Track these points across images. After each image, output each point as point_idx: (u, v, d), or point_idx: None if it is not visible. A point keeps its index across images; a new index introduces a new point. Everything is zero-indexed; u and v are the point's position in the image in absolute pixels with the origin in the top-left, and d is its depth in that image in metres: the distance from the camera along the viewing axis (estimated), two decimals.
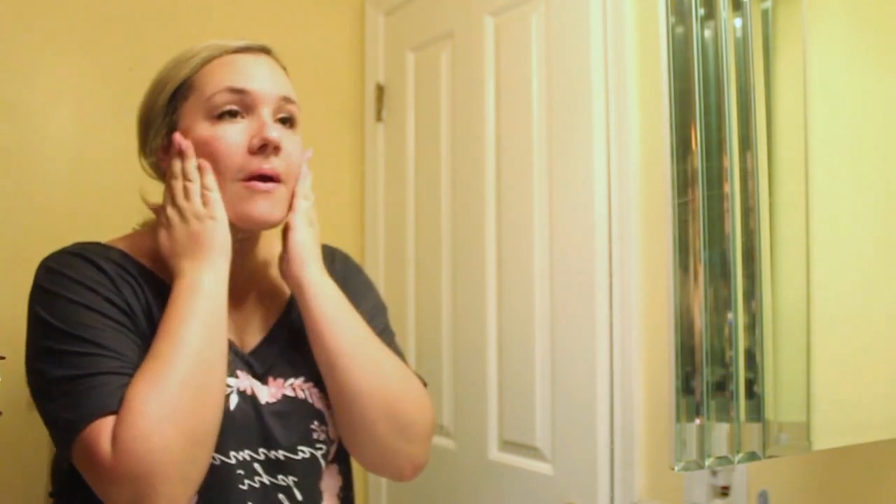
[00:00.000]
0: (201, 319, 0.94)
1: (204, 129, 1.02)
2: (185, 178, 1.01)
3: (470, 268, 1.73)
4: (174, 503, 0.87)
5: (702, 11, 0.83)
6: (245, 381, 1.04)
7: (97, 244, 1.05)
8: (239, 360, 1.05)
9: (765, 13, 0.88)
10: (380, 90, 2.04)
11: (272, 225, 1.05)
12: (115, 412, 0.88)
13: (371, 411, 1.04)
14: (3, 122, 1.63)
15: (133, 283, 1.01)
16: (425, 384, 1.16)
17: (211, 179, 1.00)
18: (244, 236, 1.07)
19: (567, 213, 1.51)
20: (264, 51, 1.09)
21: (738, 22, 0.86)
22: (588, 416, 1.44)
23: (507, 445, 1.63)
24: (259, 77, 1.04)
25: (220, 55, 1.05)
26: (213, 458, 0.96)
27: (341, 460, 1.13)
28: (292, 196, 1.07)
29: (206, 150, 1.01)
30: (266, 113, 1.03)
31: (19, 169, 1.64)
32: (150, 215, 1.12)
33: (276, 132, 1.01)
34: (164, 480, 0.85)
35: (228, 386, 1.01)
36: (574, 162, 1.49)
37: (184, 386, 0.89)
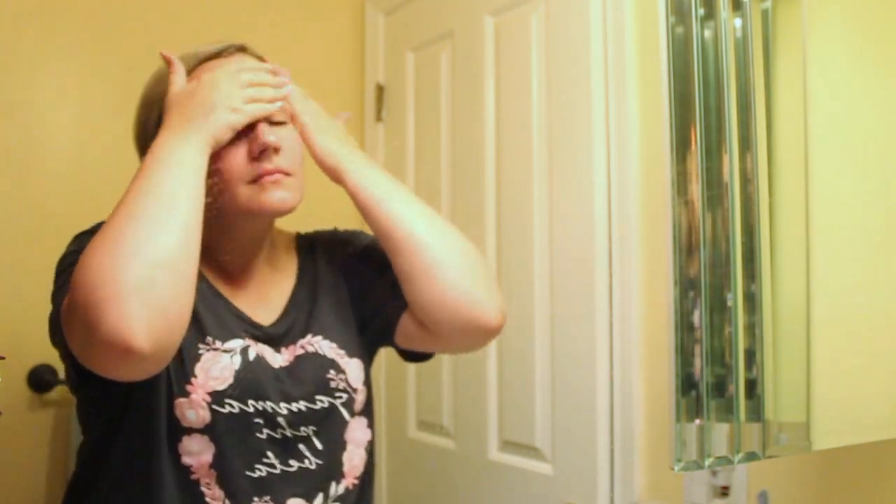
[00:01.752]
0: (165, 165, 0.92)
1: None
2: (260, 80, 1.01)
3: None
4: (126, 322, 0.82)
5: (702, 11, 0.83)
6: (254, 348, 1.04)
7: None
8: (254, 329, 1.05)
9: (765, 13, 0.88)
10: (380, 90, 2.04)
11: (289, 209, 1.04)
12: None
13: (444, 257, 1.04)
14: (3, 122, 1.63)
15: None
16: None
17: (275, 107, 1.02)
18: (263, 226, 1.08)
19: (567, 213, 1.51)
20: (240, 49, 1.08)
21: (738, 22, 0.86)
22: (588, 416, 1.44)
23: (507, 445, 1.63)
24: None
25: (196, 66, 1.05)
26: (233, 405, 0.97)
27: (369, 413, 1.13)
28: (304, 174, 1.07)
29: (209, 172, 1.01)
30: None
31: (19, 169, 1.64)
32: None
33: (272, 136, 1.01)
34: (108, 299, 0.82)
35: (244, 342, 1.02)
36: (574, 162, 1.49)
37: (134, 218, 0.87)
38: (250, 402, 1.00)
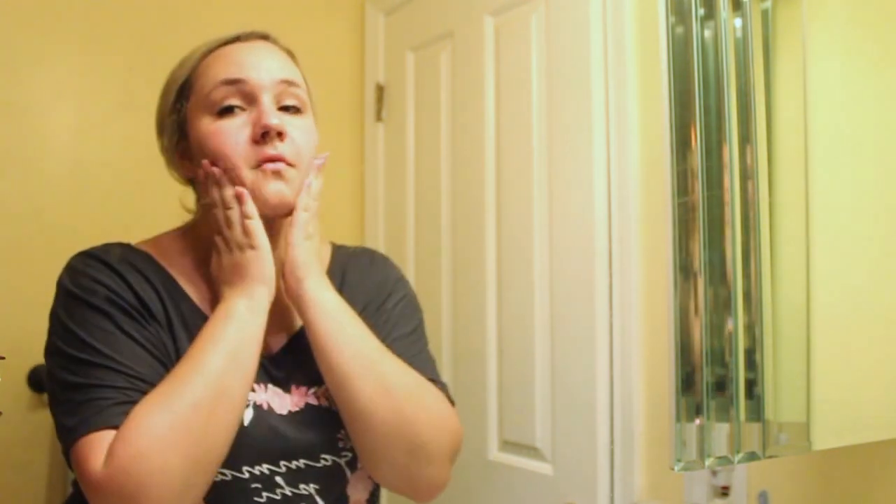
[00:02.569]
0: (227, 345, 0.92)
1: (207, 125, 1.00)
2: (225, 206, 0.99)
3: (470, 268, 1.73)
4: None
5: (702, 11, 0.83)
6: (262, 395, 1.01)
7: (124, 246, 1.04)
8: (260, 366, 1.01)
9: (765, 13, 0.88)
10: (380, 90, 2.04)
11: (286, 207, 1.01)
12: (113, 427, 0.86)
13: (381, 435, 0.99)
14: (3, 122, 1.63)
15: (154, 293, 1.00)
16: (451, 398, 1.09)
17: (250, 207, 0.98)
18: (267, 224, 1.04)
19: (567, 213, 1.51)
20: (262, 36, 1.06)
21: (738, 22, 0.86)
22: (588, 416, 1.44)
23: (507, 445, 1.63)
24: (254, 64, 1.01)
25: (216, 48, 1.04)
26: (224, 473, 0.94)
27: None
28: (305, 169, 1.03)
29: (210, 147, 0.99)
30: (266, 100, 1.00)
31: (19, 169, 1.64)
32: (186, 216, 1.11)
33: (276, 118, 0.98)
34: (156, 502, 0.83)
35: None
36: (574, 162, 1.49)
37: (195, 409, 0.87)
38: (245, 468, 0.97)
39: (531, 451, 1.56)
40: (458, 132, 1.78)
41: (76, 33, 1.71)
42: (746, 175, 0.85)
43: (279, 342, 1.06)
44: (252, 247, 0.98)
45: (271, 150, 0.98)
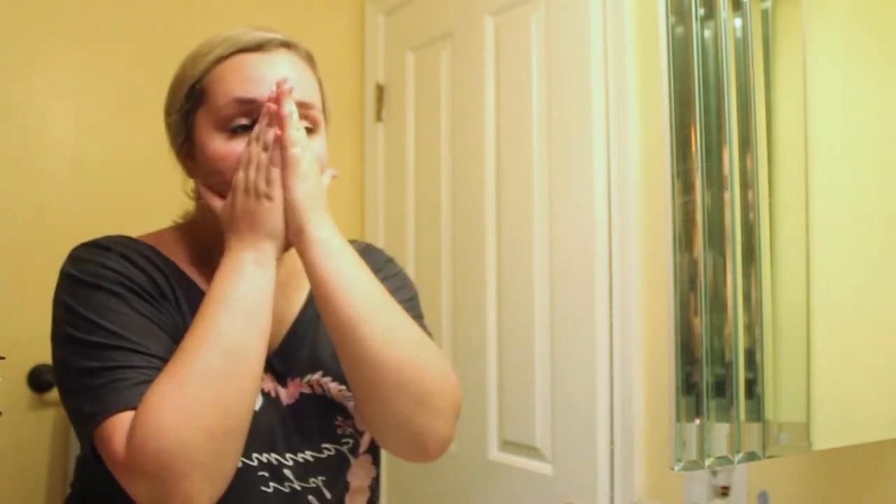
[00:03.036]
0: (237, 305, 0.89)
1: (218, 144, 0.97)
2: (264, 145, 0.95)
3: (470, 268, 1.73)
4: (196, 498, 0.84)
5: (702, 11, 0.83)
6: (269, 383, 1.00)
7: (126, 237, 1.02)
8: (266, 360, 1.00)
9: (765, 13, 0.88)
10: (380, 90, 2.04)
11: None
12: (134, 408, 0.86)
13: (384, 379, 0.94)
14: (3, 122, 1.63)
15: (163, 276, 0.98)
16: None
17: (279, 156, 0.94)
18: None
19: (567, 213, 1.51)
20: (284, 45, 1.02)
21: (738, 22, 0.86)
22: (588, 416, 1.44)
23: (507, 445, 1.63)
24: (271, 81, 0.96)
25: (233, 54, 0.99)
26: None
27: (374, 451, 1.09)
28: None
29: (221, 167, 0.97)
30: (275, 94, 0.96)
31: (19, 169, 1.64)
32: (189, 206, 1.09)
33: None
34: (181, 477, 0.82)
35: None
36: (574, 162, 1.49)
37: (207, 376, 0.85)
38: (254, 455, 0.96)
39: (531, 451, 1.56)
40: (458, 132, 1.78)
41: (76, 33, 1.71)
42: (746, 175, 0.85)
43: (277, 338, 1.05)
44: (269, 197, 0.94)
45: None
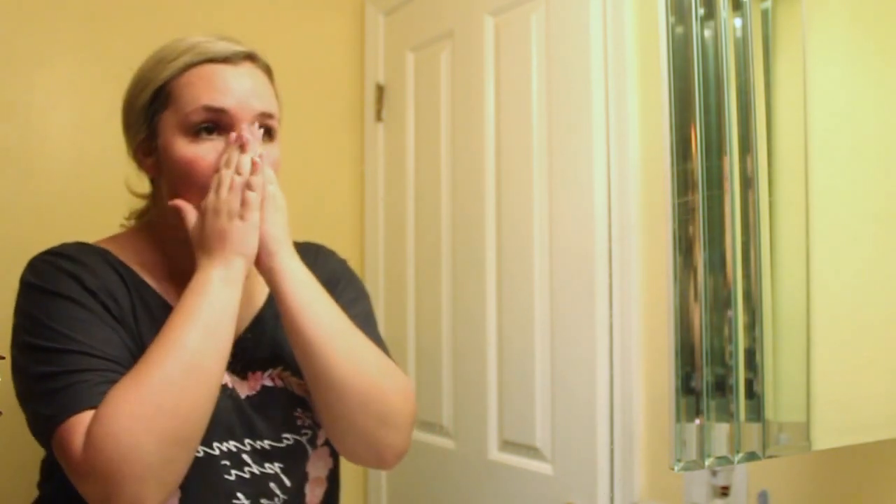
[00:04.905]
0: (202, 320, 0.93)
1: (183, 147, 1.02)
2: (237, 170, 1.00)
3: (470, 268, 1.73)
4: (144, 502, 0.86)
5: (702, 11, 0.83)
6: (226, 377, 1.04)
7: (82, 244, 1.06)
8: None
9: (765, 13, 0.88)
10: (380, 90, 2.04)
11: None
12: (93, 408, 0.88)
13: (350, 400, 1.02)
14: (3, 122, 1.63)
15: (119, 281, 1.02)
16: None
17: (259, 181, 1.00)
18: None
19: (567, 213, 1.51)
20: (249, 57, 1.07)
21: (738, 22, 0.86)
22: (588, 416, 1.44)
23: (507, 445, 1.63)
24: (238, 93, 1.03)
25: (201, 63, 1.03)
26: (197, 450, 0.97)
27: (331, 443, 1.13)
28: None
29: (186, 169, 1.02)
30: (244, 129, 1.03)
31: (19, 169, 1.64)
32: (136, 205, 1.13)
33: (257, 149, 1.02)
34: (132, 480, 0.85)
35: None
36: (574, 162, 1.49)
37: (168, 386, 0.88)
38: (215, 444, 1.00)
39: (531, 451, 1.56)
40: (458, 132, 1.78)
41: (76, 33, 1.71)
42: (746, 175, 0.85)
43: (238, 332, 1.08)
44: (243, 218, 0.98)
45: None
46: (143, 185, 1.15)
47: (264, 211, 1.02)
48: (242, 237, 0.98)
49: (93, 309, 0.96)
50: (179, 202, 1.03)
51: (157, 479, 0.87)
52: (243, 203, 0.98)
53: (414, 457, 1.88)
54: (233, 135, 1.01)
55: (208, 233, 0.99)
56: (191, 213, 1.02)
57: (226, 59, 1.04)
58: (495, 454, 1.65)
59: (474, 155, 1.72)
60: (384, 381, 1.05)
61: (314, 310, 1.02)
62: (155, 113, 1.05)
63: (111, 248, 1.07)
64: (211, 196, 1.00)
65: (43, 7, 1.67)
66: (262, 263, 1.03)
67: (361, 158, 2.09)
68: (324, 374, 1.01)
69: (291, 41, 1.97)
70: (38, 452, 1.47)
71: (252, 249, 0.99)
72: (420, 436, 1.87)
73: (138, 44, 1.75)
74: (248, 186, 0.99)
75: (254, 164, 1.00)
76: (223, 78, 1.03)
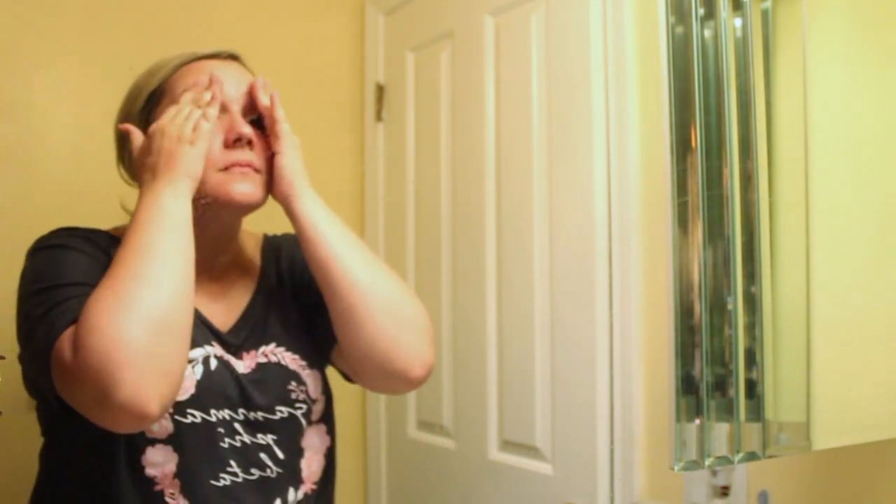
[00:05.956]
0: (161, 224, 0.95)
1: None
2: (195, 103, 1.02)
3: (470, 268, 1.73)
4: (142, 390, 0.85)
5: (702, 11, 0.83)
6: (220, 349, 1.05)
7: (83, 227, 1.08)
8: (214, 336, 1.06)
9: (765, 13, 0.88)
10: (380, 90, 2.04)
11: (254, 204, 1.06)
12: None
13: (373, 300, 1.04)
14: (3, 122, 1.63)
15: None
16: None
17: (214, 112, 1.02)
18: (230, 223, 1.11)
19: (567, 213, 1.51)
20: (232, 57, 1.12)
21: (738, 22, 0.86)
22: (588, 416, 1.44)
23: (507, 445, 1.63)
24: (226, 77, 1.07)
25: (190, 61, 1.08)
26: (195, 415, 0.99)
27: (328, 420, 1.14)
28: (270, 179, 1.08)
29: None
30: (236, 111, 1.06)
31: (19, 169, 1.64)
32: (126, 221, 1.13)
33: (247, 128, 1.05)
34: (125, 366, 0.84)
35: (205, 350, 1.03)
36: (574, 162, 1.49)
37: (143, 280, 0.90)
38: (212, 411, 1.01)
39: (531, 451, 1.56)
40: (458, 132, 1.78)
41: (76, 33, 1.71)
42: (746, 175, 0.85)
43: (231, 319, 1.10)
44: (192, 143, 0.99)
45: (242, 155, 1.04)
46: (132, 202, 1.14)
47: (281, 146, 1.06)
48: (190, 160, 0.99)
49: (94, 255, 0.99)
50: (126, 125, 1.06)
51: (151, 366, 0.86)
52: (195, 129, 1.00)
53: (414, 457, 1.88)
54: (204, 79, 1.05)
55: (155, 154, 1.00)
56: (137, 136, 1.04)
57: (213, 56, 1.10)
58: (495, 454, 1.65)
59: (474, 155, 1.72)
60: (405, 290, 1.09)
61: (332, 224, 1.06)
62: (149, 113, 1.07)
63: (114, 233, 1.09)
64: (164, 119, 1.02)
65: (43, 7, 1.67)
66: (280, 192, 1.07)
67: (361, 158, 2.09)
68: (347, 276, 1.04)
69: (291, 41, 1.97)
70: (38, 452, 1.47)
71: (197, 174, 1.00)
72: (420, 436, 1.87)
73: (138, 44, 1.75)
74: (205, 117, 1.01)
75: (213, 97, 1.03)
76: (211, 66, 1.08)
